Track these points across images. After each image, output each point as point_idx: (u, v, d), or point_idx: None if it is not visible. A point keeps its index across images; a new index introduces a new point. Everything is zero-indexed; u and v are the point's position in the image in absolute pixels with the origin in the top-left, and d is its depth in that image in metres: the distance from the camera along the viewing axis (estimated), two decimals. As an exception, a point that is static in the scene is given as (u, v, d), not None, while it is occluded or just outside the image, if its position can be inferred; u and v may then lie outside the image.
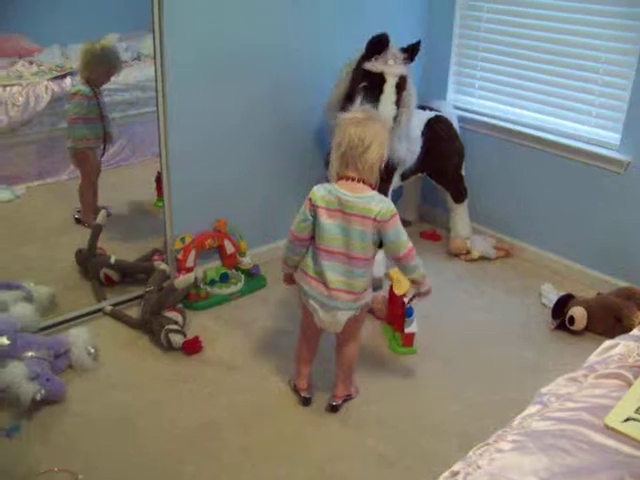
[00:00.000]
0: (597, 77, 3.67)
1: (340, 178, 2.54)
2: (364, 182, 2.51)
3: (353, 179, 2.50)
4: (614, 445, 1.65)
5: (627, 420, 1.74)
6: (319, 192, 2.54)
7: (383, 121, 2.63)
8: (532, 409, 1.88)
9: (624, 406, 1.79)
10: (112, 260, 3.52)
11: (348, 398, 2.89)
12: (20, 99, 3.33)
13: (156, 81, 3.19)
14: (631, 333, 2.24)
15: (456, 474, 1.59)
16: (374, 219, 2.47)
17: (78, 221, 3.67)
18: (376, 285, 3.65)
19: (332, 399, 2.85)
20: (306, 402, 2.87)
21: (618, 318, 3.36)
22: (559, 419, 1.75)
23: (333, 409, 2.83)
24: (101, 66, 3.51)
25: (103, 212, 3.49)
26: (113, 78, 3.57)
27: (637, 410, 1.78)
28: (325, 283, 2.56)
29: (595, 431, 1.70)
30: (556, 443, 1.64)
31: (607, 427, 1.72)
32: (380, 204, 2.48)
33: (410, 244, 2.56)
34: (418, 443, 2.67)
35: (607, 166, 3.70)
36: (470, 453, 1.67)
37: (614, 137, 3.68)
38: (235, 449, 2.62)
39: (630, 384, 1.90)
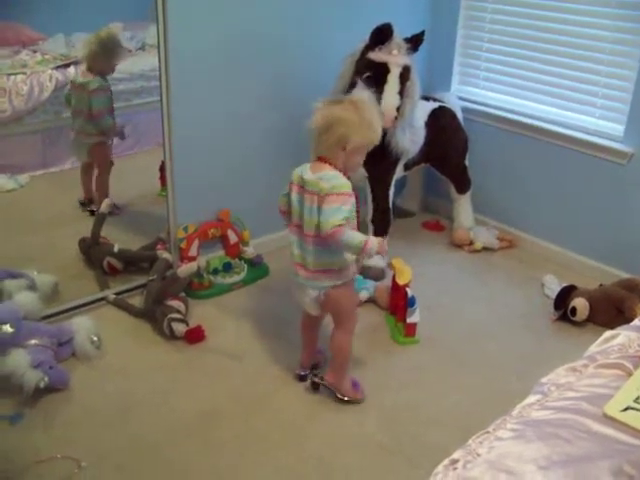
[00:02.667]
0: (601, 69, 3.67)
1: (314, 159, 2.63)
2: (329, 162, 2.56)
3: (319, 159, 2.59)
4: (613, 434, 1.66)
5: (626, 409, 1.74)
6: (295, 170, 2.65)
7: (356, 103, 2.57)
8: (532, 398, 1.88)
9: (624, 395, 1.79)
10: (115, 249, 3.53)
11: (334, 390, 2.84)
12: (24, 88, 3.34)
13: (160, 71, 3.19)
14: (632, 324, 2.24)
15: (455, 462, 1.60)
16: (318, 194, 2.50)
17: (91, 212, 3.68)
18: (379, 275, 3.67)
19: (318, 376, 2.88)
20: (300, 379, 2.93)
21: (620, 309, 3.36)
22: (559, 408, 1.76)
23: (313, 385, 2.87)
24: (112, 56, 3.52)
25: (107, 201, 3.49)
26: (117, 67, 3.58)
27: (636, 399, 1.78)
28: (292, 257, 2.68)
29: (594, 420, 1.70)
30: (555, 432, 1.65)
31: (606, 416, 1.72)
32: (329, 181, 2.50)
33: (337, 228, 2.45)
34: (419, 433, 2.68)
35: (610, 157, 3.69)
36: (469, 441, 1.67)
37: (618, 128, 3.68)
38: (236, 437, 2.63)
39: (630, 374, 1.90)
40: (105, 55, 3.50)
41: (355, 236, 2.49)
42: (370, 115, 2.55)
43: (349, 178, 2.57)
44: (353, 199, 2.54)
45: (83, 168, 3.68)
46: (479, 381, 2.99)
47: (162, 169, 3.49)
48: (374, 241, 2.52)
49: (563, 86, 3.87)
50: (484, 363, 3.13)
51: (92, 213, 3.62)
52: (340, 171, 2.55)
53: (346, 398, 2.81)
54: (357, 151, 2.57)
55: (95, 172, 3.69)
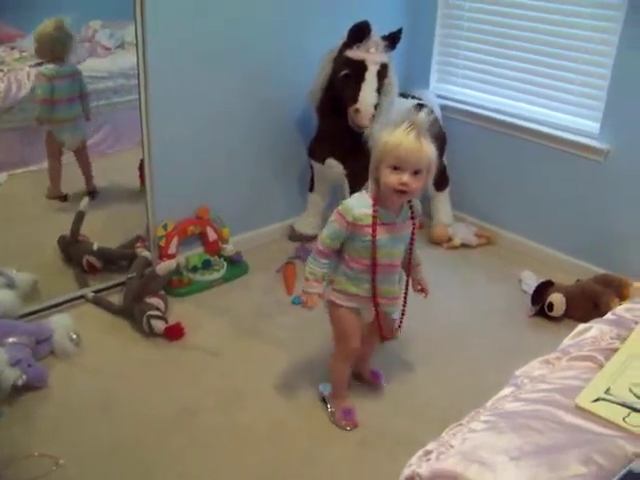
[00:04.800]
0: (577, 66, 3.71)
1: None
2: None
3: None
4: (584, 424, 1.69)
5: (597, 400, 1.78)
6: None
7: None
8: (506, 391, 1.91)
9: (595, 387, 1.83)
10: (95, 247, 3.52)
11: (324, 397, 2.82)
12: (1, 85, 3.32)
13: (138, 69, 3.19)
14: (605, 317, 2.28)
15: (429, 453, 1.62)
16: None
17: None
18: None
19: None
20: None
21: (596, 305, 3.38)
22: (531, 400, 1.79)
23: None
24: (59, 44, 3.44)
25: (85, 199, 3.49)
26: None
27: (607, 391, 1.81)
28: None
29: (566, 411, 1.73)
30: (528, 423, 1.67)
31: (578, 407, 1.75)
32: None
33: (317, 244, 2.49)
34: (398, 426, 2.70)
35: (587, 154, 3.74)
36: (443, 433, 1.70)
37: (594, 126, 3.72)
38: (218, 433, 2.64)
39: (601, 366, 1.94)
40: (53, 43, 3.44)
41: (310, 264, 2.51)
42: None
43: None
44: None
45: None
46: (458, 375, 3.02)
47: (141, 168, 3.49)
48: (306, 291, 2.52)
49: (540, 84, 3.90)
50: (463, 358, 3.15)
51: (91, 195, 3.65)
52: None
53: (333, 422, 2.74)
54: None
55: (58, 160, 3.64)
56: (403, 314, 2.71)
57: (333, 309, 2.63)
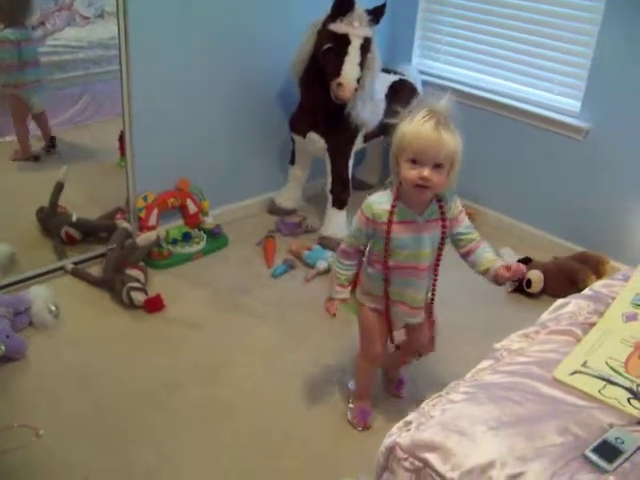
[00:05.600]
0: (559, 45, 3.71)
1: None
2: None
3: None
4: (561, 396, 1.72)
5: (574, 373, 1.81)
6: None
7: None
8: (485, 363, 1.94)
9: (572, 360, 1.86)
10: (74, 218, 3.51)
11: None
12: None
13: (119, 39, 3.15)
14: (582, 292, 2.31)
15: (409, 424, 1.65)
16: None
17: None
18: (337, 246, 3.69)
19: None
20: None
21: (573, 281, 3.42)
22: (510, 372, 1.81)
23: None
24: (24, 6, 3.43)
25: (64, 168, 3.46)
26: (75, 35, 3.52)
27: (584, 364, 1.84)
28: None
29: (544, 383, 1.76)
30: (506, 394, 1.70)
31: (555, 380, 1.78)
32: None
33: (341, 244, 2.39)
34: (380, 403, 2.71)
35: (567, 133, 3.76)
36: (423, 404, 1.72)
37: (575, 104, 3.73)
38: (197, 405, 2.65)
39: (579, 340, 1.97)
40: (11, 4, 3.37)
41: (334, 267, 2.41)
42: None
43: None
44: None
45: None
46: (437, 350, 3.03)
47: (121, 139, 3.46)
48: (330, 296, 2.42)
49: (522, 61, 3.91)
50: (443, 333, 3.15)
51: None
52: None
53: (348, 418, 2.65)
54: None
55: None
56: (433, 326, 2.55)
57: (360, 309, 2.51)
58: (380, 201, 2.24)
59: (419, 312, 2.45)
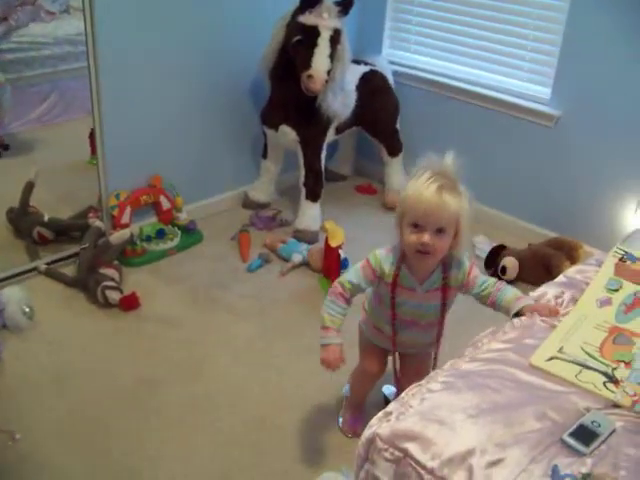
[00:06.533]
0: (528, 32, 3.74)
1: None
2: None
3: None
4: (538, 382, 1.74)
5: (551, 359, 1.82)
6: None
7: None
8: (464, 352, 1.94)
9: (548, 346, 1.87)
10: (46, 218, 3.47)
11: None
12: None
13: (86, 34, 3.12)
14: (556, 280, 2.33)
15: (389, 414, 1.65)
16: None
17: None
18: (311, 238, 3.71)
19: None
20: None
21: (548, 267, 3.45)
22: (488, 360, 1.82)
23: None
24: None
25: (35, 168, 3.42)
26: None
27: (560, 350, 1.86)
28: None
29: (521, 370, 1.77)
30: (484, 382, 1.71)
31: (532, 366, 1.79)
32: None
33: (337, 285, 2.22)
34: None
35: (538, 120, 3.78)
36: (402, 394, 1.72)
37: (545, 91, 3.76)
38: (175, 403, 2.64)
39: (554, 326, 1.98)
40: None
41: (327, 309, 2.22)
42: None
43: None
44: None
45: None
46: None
47: (92, 137, 3.43)
48: (323, 343, 2.22)
49: (492, 50, 3.93)
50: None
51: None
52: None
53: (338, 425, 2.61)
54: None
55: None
56: (436, 358, 2.38)
57: (361, 324, 2.48)
58: (389, 260, 2.17)
59: (423, 349, 2.40)
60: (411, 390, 1.74)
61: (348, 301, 2.22)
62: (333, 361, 2.19)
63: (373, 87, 3.99)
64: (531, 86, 3.83)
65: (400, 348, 2.35)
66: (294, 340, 3.02)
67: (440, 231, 2.02)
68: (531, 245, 3.68)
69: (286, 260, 3.59)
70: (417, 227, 2.02)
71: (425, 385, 1.73)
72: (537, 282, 3.21)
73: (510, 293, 2.15)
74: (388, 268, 2.16)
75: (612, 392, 1.73)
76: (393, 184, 4.27)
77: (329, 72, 3.41)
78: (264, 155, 4.02)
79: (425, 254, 2.05)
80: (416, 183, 2.04)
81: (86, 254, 3.28)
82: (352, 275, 2.20)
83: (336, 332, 2.20)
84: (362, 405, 2.60)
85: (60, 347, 2.90)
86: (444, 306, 2.21)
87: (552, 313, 2.08)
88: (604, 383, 1.76)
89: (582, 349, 1.89)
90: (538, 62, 3.76)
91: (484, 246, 3.75)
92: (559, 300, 2.18)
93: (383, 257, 2.17)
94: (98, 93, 3.25)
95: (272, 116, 3.74)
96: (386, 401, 2.64)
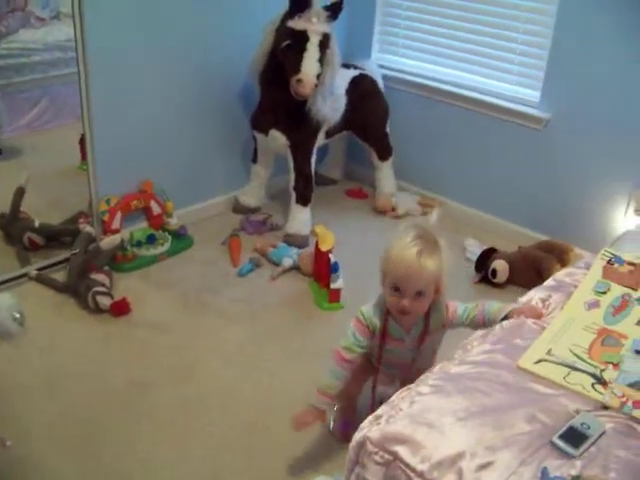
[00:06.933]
0: (517, 36, 3.75)
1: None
2: None
3: None
4: (527, 385, 1.75)
5: (539, 362, 1.83)
6: None
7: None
8: (454, 355, 1.95)
9: (536, 349, 1.88)
10: (36, 224, 3.46)
11: None
12: None
13: (75, 41, 3.12)
14: (545, 284, 2.35)
15: (379, 417, 1.66)
16: None
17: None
18: (302, 242, 3.72)
19: None
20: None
21: (538, 270, 3.46)
22: (477, 362, 1.83)
23: None
24: None
25: (25, 174, 3.42)
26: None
27: (548, 352, 1.87)
28: None
29: (509, 372, 1.78)
30: (474, 385, 1.72)
31: (520, 368, 1.80)
32: None
33: (342, 354, 2.26)
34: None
35: (527, 123, 3.80)
36: (393, 398, 1.73)
37: (534, 95, 3.77)
38: (166, 407, 2.64)
39: (543, 328, 1.99)
40: None
41: (329, 377, 2.29)
42: None
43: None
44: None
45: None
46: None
47: (82, 142, 3.43)
48: (314, 405, 2.30)
49: (481, 53, 3.94)
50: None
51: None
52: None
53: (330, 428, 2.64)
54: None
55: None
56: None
57: None
58: (375, 314, 2.24)
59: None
60: (401, 393, 1.75)
61: (352, 364, 2.27)
62: (304, 424, 2.32)
63: (363, 91, 4.00)
64: (520, 89, 3.84)
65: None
66: (285, 344, 3.02)
67: (419, 294, 2.09)
68: (521, 248, 3.69)
69: (277, 264, 3.59)
70: (397, 290, 2.10)
71: (415, 388, 1.75)
72: (528, 285, 3.23)
73: (495, 305, 2.24)
74: (377, 321, 2.23)
75: (600, 394, 1.74)
76: (383, 188, 4.28)
77: (319, 76, 3.42)
78: (254, 160, 4.02)
79: (405, 314, 2.14)
80: (398, 244, 2.10)
81: (77, 260, 3.27)
82: (352, 340, 2.25)
83: (329, 398, 2.30)
84: (354, 410, 2.60)
85: (51, 352, 2.89)
86: (420, 344, 2.26)
87: (536, 316, 2.13)
88: (592, 385, 1.77)
89: (570, 351, 1.90)
90: (527, 65, 3.78)
91: (474, 249, 3.76)
92: (546, 303, 2.20)
93: (371, 312, 2.25)
94: (88, 99, 3.25)
95: (262, 120, 3.75)
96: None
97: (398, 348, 2.27)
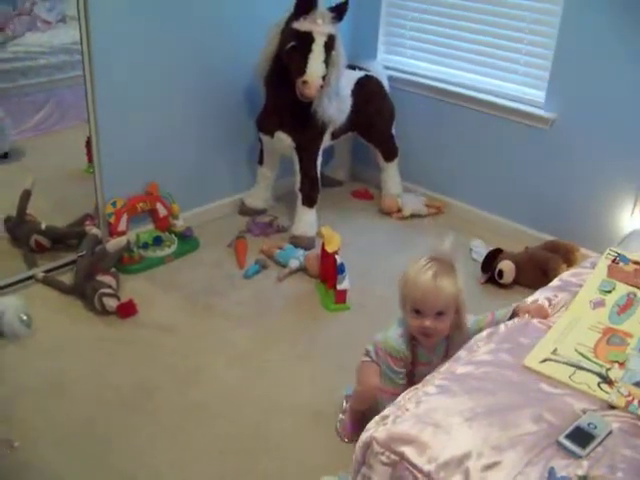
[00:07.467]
0: (522, 36, 3.75)
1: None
2: None
3: None
4: (533, 384, 1.74)
5: (544, 361, 1.83)
6: None
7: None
8: (461, 353, 1.95)
9: (542, 348, 1.88)
10: (43, 226, 3.47)
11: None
12: None
13: (81, 43, 3.13)
14: (551, 284, 2.34)
15: (386, 418, 1.66)
16: None
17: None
18: (308, 244, 3.72)
19: None
20: None
21: (544, 271, 3.45)
22: (483, 362, 1.83)
23: None
24: None
25: (32, 177, 3.43)
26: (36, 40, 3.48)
27: (554, 351, 1.87)
28: None
29: (515, 372, 1.78)
30: (480, 385, 1.72)
31: (526, 368, 1.80)
32: None
33: (384, 388, 2.31)
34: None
35: (533, 123, 3.79)
36: (399, 398, 1.73)
37: (539, 95, 3.77)
38: (172, 410, 2.64)
39: (549, 327, 1.99)
40: None
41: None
42: None
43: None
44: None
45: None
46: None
47: (88, 145, 3.44)
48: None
49: (486, 54, 3.94)
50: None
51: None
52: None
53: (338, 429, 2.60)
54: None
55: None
56: None
57: (362, 365, 2.48)
58: (403, 344, 2.25)
59: None
60: (407, 393, 1.75)
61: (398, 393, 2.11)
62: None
63: (368, 92, 4.00)
64: (526, 89, 3.84)
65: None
66: (291, 346, 3.02)
67: (440, 314, 2.13)
68: (528, 248, 3.68)
69: (283, 266, 3.59)
70: (418, 313, 2.14)
71: (421, 389, 1.74)
72: (534, 285, 3.22)
73: (503, 311, 2.28)
74: (407, 352, 2.24)
75: (606, 393, 1.74)
76: (389, 189, 4.28)
77: (324, 78, 3.42)
78: (260, 161, 4.03)
79: (429, 336, 2.17)
80: (414, 268, 2.16)
81: (83, 262, 3.28)
82: (392, 376, 2.26)
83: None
84: (360, 412, 2.55)
85: (58, 354, 2.89)
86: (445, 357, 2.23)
87: (543, 317, 2.15)
88: (598, 384, 1.77)
89: (576, 350, 1.90)
90: (533, 66, 3.77)
91: (481, 250, 3.75)
92: (552, 303, 2.19)
93: (400, 343, 2.25)
94: (94, 101, 3.26)
95: (267, 122, 3.75)
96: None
97: (425, 370, 2.22)
